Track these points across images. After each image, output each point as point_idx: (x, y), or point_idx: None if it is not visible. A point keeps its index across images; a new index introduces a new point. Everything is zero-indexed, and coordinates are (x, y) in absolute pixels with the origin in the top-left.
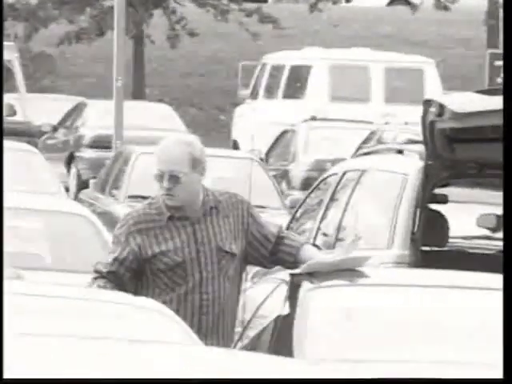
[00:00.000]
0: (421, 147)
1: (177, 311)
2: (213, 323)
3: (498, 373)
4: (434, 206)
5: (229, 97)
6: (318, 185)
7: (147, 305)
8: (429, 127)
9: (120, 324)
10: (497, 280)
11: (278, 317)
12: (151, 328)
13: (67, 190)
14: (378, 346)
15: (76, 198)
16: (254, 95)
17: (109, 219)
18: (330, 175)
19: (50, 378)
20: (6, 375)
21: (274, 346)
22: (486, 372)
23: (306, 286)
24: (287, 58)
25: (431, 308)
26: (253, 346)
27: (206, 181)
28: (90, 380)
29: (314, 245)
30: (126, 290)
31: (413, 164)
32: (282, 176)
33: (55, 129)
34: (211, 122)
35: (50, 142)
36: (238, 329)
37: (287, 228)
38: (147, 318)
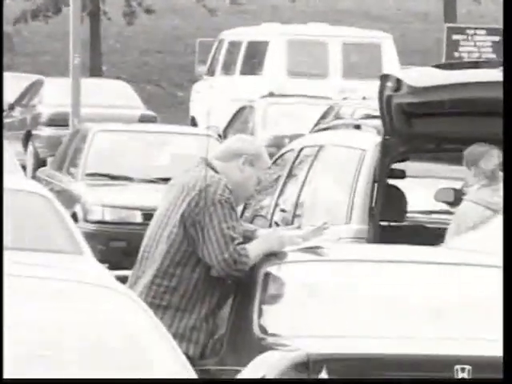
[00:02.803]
0: (378, 122)
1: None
2: None
3: (455, 347)
4: (391, 181)
5: (187, 73)
6: (275, 161)
7: (119, 288)
8: (386, 102)
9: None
10: (457, 254)
11: (237, 293)
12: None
13: (24, 168)
14: (338, 321)
15: (33, 177)
16: (211, 72)
17: (66, 197)
18: (288, 151)
19: (50, 378)
20: (6, 375)
21: (232, 323)
22: (449, 347)
23: (264, 262)
24: (244, 34)
25: (393, 283)
26: (211, 326)
27: (164, 157)
28: (89, 380)
29: (272, 221)
30: None
31: (370, 139)
32: None
33: (12, 107)
34: (169, 98)
35: (6, 120)
36: None
37: (245, 204)
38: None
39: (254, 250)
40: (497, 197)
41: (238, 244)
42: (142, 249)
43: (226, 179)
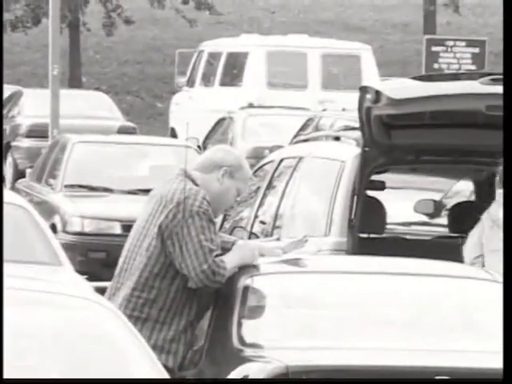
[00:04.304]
0: (358, 134)
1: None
2: None
3: (443, 360)
4: (371, 193)
5: (166, 84)
6: (255, 172)
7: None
8: (365, 114)
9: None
10: (436, 265)
11: (216, 305)
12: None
13: (3, 179)
14: (318, 333)
15: (12, 188)
16: (190, 83)
17: (46, 208)
18: (268, 162)
19: (50, 378)
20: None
21: (211, 334)
22: (429, 358)
23: (243, 273)
24: (224, 45)
25: (373, 295)
26: (190, 337)
27: (143, 168)
28: (89, 380)
29: (252, 233)
30: None
31: (350, 151)
32: None
33: None
34: (149, 109)
35: None
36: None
37: (225, 216)
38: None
39: (229, 262)
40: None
41: (216, 256)
42: (120, 260)
43: (206, 191)
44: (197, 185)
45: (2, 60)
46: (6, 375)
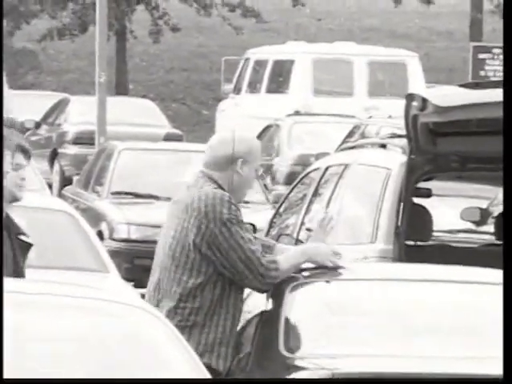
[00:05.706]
0: (404, 141)
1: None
2: None
3: (487, 367)
4: (417, 200)
5: (212, 92)
6: (301, 179)
7: (135, 303)
8: (412, 121)
9: (105, 321)
10: (482, 273)
11: (263, 312)
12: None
13: (50, 186)
14: (364, 340)
15: (59, 195)
16: (237, 90)
17: (92, 215)
18: (314, 170)
19: (50, 378)
20: (6, 375)
21: (258, 341)
22: (468, 366)
23: (290, 281)
24: (270, 53)
25: (417, 301)
26: (236, 340)
27: (189, 176)
28: (89, 380)
29: (298, 240)
30: None
31: (396, 158)
32: (266, 171)
33: (38, 125)
34: (194, 116)
35: (32, 138)
36: None
37: (271, 223)
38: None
39: (288, 261)
40: None
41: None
42: (157, 271)
43: (228, 185)
44: (219, 185)
45: (2, 62)
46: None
